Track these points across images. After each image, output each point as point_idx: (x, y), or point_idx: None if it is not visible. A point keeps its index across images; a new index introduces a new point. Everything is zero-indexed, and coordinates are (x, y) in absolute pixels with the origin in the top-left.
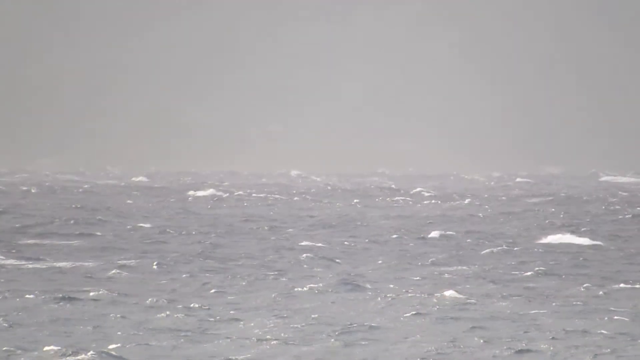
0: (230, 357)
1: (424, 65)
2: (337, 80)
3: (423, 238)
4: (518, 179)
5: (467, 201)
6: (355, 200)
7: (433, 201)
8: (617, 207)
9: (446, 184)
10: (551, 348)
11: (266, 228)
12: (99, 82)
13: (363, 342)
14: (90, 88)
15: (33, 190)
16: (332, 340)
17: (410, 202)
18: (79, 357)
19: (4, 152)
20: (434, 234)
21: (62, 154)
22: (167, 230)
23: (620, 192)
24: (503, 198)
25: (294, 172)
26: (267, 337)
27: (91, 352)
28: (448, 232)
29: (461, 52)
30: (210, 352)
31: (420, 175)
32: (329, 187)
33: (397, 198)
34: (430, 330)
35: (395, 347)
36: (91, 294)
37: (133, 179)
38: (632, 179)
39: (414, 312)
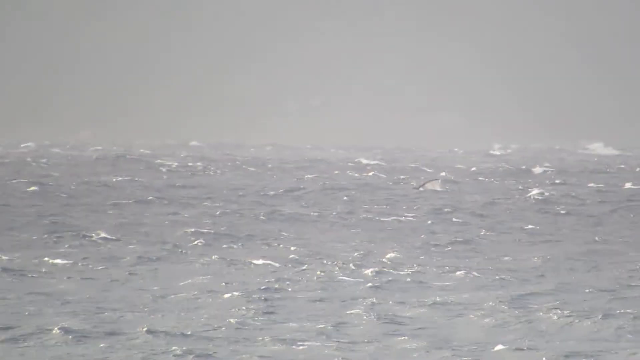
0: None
1: (470, 38)
2: (380, 53)
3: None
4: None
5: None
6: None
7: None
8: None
9: (443, 157)
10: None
11: (256, 197)
12: (141, 54)
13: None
14: (131, 60)
15: (42, 161)
16: (251, 307)
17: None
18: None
19: (47, 124)
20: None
21: (103, 127)
22: (147, 199)
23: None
24: (473, 169)
25: (318, 146)
26: (198, 307)
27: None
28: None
29: (510, 26)
30: (161, 325)
31: (426, 150)
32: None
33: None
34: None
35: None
36: (52, 261)
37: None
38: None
39: (355, 284)
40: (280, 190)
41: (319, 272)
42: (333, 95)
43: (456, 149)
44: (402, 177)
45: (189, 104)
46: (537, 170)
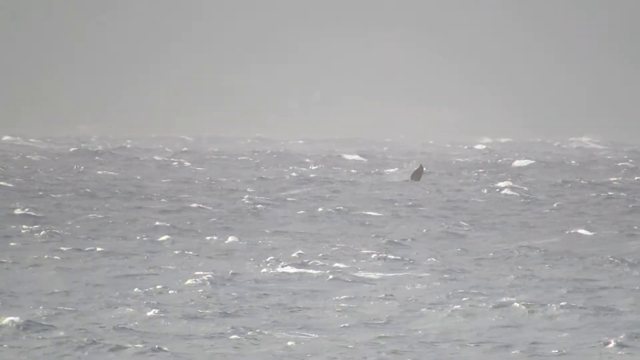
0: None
1: (467, 35)
2: (377, 45)
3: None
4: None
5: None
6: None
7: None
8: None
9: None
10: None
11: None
12: (139, 49)
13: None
14: (130, 55)
15: (28, 156)
16: (218, 300)
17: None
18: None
19: (46, 117)
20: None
21: (101, 121)
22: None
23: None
24: (458, 159)
25: (300, 141)
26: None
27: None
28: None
29: (505, 23)
30: (124, 319)
31: (418, 144)
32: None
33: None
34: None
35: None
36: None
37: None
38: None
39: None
40: (260, 185)
41: (290, 266)
42: (332, 91)
43: (448, 145)
44: (386, 170)
45: (188, 100)
46: (519, 163)
